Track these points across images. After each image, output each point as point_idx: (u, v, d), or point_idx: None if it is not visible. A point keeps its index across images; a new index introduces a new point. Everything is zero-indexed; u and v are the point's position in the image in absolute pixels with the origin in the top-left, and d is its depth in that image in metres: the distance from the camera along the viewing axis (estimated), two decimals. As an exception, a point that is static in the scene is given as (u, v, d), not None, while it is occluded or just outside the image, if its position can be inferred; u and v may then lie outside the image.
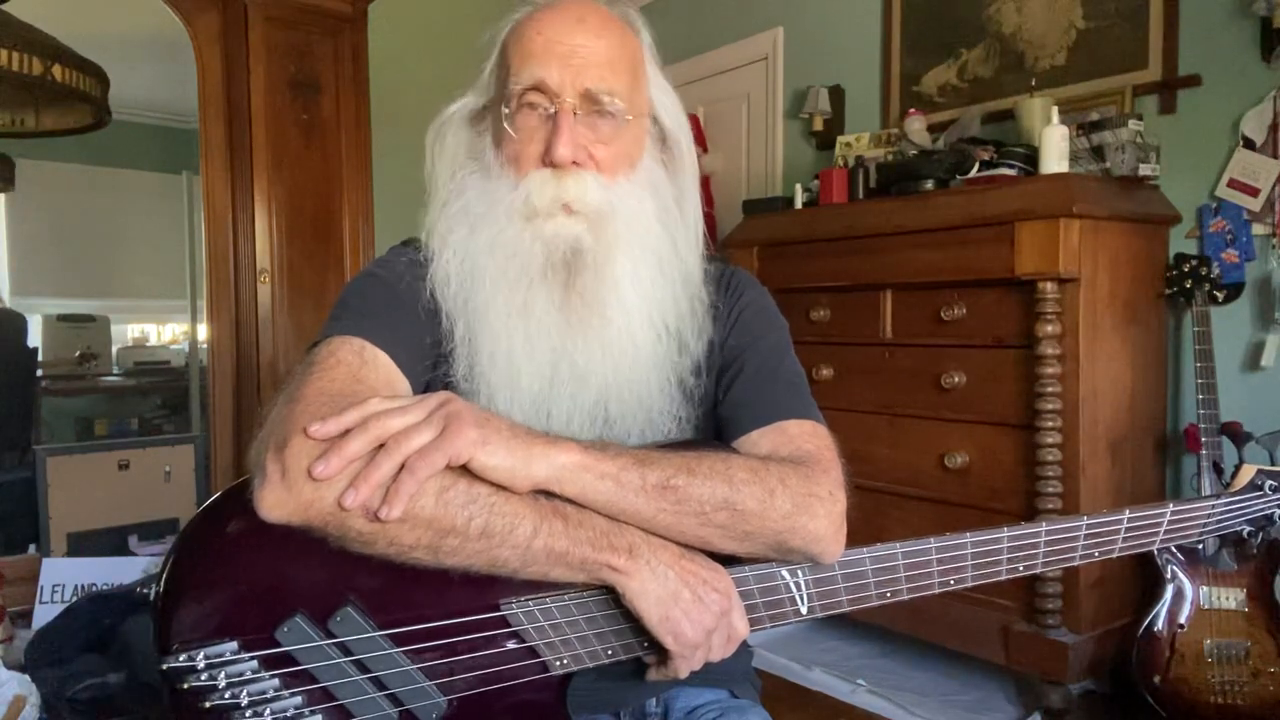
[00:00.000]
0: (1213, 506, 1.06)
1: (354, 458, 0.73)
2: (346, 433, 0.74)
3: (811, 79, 3.42)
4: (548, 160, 0.91)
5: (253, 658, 0.77)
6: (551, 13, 0.94)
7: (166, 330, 5.76)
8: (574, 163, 0.91)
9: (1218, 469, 2.15)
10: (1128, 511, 1.00)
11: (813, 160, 3.45)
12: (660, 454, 0.82)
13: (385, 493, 0.72)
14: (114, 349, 5.14)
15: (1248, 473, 1.11)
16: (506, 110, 0.93)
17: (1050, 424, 2.16)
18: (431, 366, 0.95)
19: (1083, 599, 2.20)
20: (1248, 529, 1.10)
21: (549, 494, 0.78)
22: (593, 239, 0.92)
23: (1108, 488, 2.26)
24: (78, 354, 4.82)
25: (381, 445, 0.74)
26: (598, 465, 0.78)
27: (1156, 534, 1.02)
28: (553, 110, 0.92)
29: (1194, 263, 2.26)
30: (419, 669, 0.79)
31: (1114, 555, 0.99)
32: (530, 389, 0.92)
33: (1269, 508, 1.10)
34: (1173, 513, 1.03)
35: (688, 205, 1.02)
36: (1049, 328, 2.15)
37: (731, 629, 0.83)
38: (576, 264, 0.92)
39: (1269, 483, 1.10)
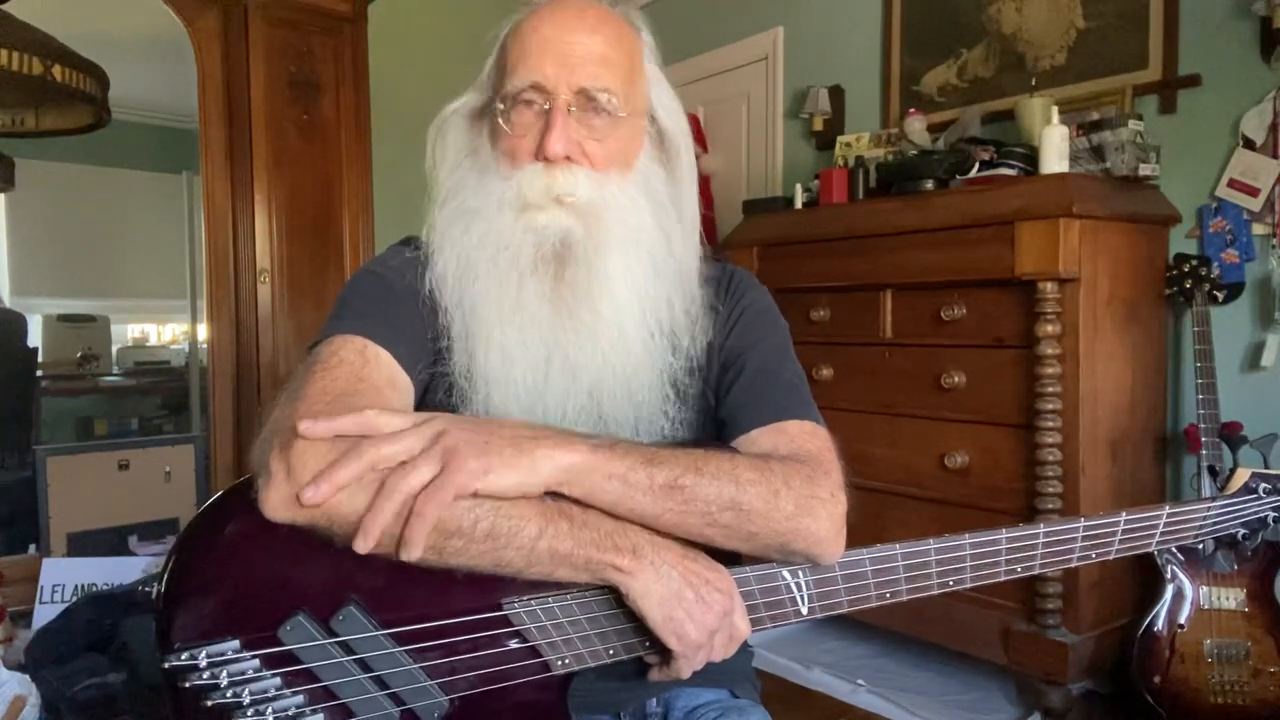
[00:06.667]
0: (1208, 509, 1.06)
1: (344, 485, 0.73)
2: (341, 438, 0.75)
3: (811, 79, 3.42)
4: (540, 155, 0.92)
5: (254, 656, 0.77)
6: (550, 10, 0.95)
7: (166, 330, 5.76)
8: (566, 158, 0.92)
9: (1213, 472, 2.16)
10: (1124, 514, 1.00)
11: (813, 160, 3.45)
12: (668, 452, 0.82)
13: (398, 539, 0.73)
14: (114, 349, 5.13)
15: (1242, 476, 1.12)
16: (502, 107, 0.94)
17: (1050, 424, 2.17)
18: (432, 363, 0.95)
19: (1083, 599, 2.20)
20: (1242, 531, 1.10)
21: (555, 494, 0.78)
22: (583, 232, 0.93)
23: (1108, 488, 2.26)
24: (78, 354, 4.82)
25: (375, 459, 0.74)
26: (605, 465, 0.78)
27: (1153, 536, 1.02)
28: (547, 107, 0.92)
29: (1194, 263, 2.26)
30: (421, 668, 0.79)
31: (1111, 557, 1.00)
32: (524, 381, 0.92)
33: (1263, 510, 1.10)
34: (1169, 515, 1.03)
35: (685, 206, 1.01)
36: (1049, 328, 2.15)
37: (734, 629, 0.83)
38: (567, 256, 0.92)
39: (1263, 485, 1.10)
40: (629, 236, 0.95)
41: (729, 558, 0.85)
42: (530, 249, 0.92)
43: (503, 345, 0.92)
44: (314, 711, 0.78)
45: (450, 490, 0.73)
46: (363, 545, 0.72)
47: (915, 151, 2.75)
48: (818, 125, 3.37)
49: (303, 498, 0.72)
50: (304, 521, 0.74)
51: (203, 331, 3.92)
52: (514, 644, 0.81)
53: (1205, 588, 2.10)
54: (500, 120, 0.95)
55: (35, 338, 4.51)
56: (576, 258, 0.92)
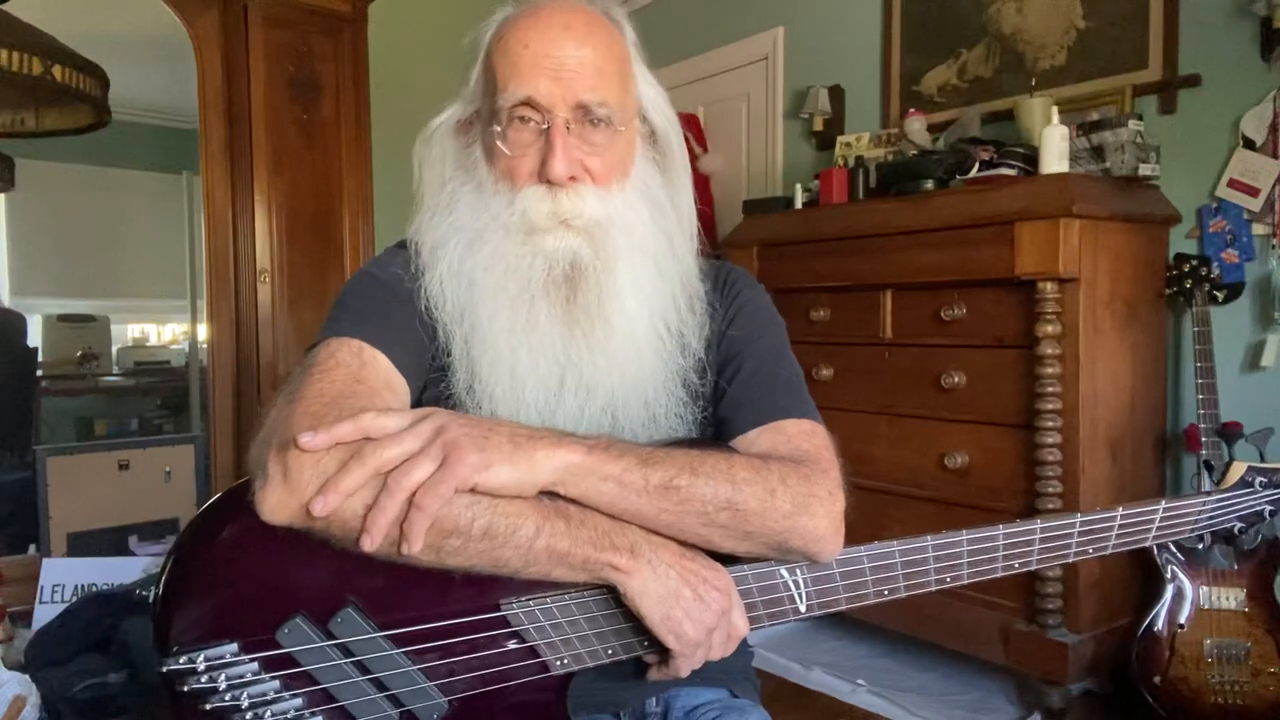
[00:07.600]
0: (1204, 503, 1.06)
1: (350, 492, 0.72)
2: (340, 445, 0.74)
3: (811, 79, 3.42)
4: (543, 177, 0.91)
5: (253, 659, 0.77)
6: (535, 20, 0.91)
7: (166, 330, 5.75)
8: (570, 178, 0.91)
9: (1208, 467, 2.15)
10: (1120, 509, 1.00)
11: (813, 160, 3.45)
12: (664, 453, 0.82)
13: (399, 530, 0.73)
14: (114, 349, 5.13)
15: (1238, 470, 1.11)
16: (498, 128, 0.92)
17: (1050, 424, 2.16)
18: (430, 372, 0.95)
19: (1083, 599, 2.20)
20: (1239, 525, 1.10)
21: (550, 494, 0.78)
22: (592, 252, 0.92)
23: (1108, 488, 2.25)
24: (78, 354, 4.82)
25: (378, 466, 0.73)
26: (601, 467, 0.78)
27: (1149, 531, 1.02)
28: (545, 126, 0.91)
29: (1194, 263, 2.26)
30: (420, 669, 0.79)
31: (1108, 552, 1.00)
32: (536, 402, 0.92)
33: (1260, 504, 1.10)
34: (1165, 509, 1.03)
35: (681, 201, 1.01)
36: (1049, 328, 2.15)
37: (732, 627, 0.83)
38: (577, 278, 0.92)
39: (1259, 479, 1.10)
40: (635, 248, 0.94)
41: (727, 556, 0.85)
42: (541, 272, 0.91)
43: (512, 366, 0.92)
44: (313, 714, 0.78)
45: (451, 483, 0.72)
46: (369, 544, 0.72)
47: (915, 151, 2.75)
48: (818, 125, 3.37)
49: (312, 510, 0.72)
50: (301, 524, 0.74)
51: (203, 331, 3.92)
52: (512, 645, 0.81)
53: (1205, 587, 2.10)
54: (498, 142, 0.92)
55: (35, 338, 4.51)
56: (587, 278, 0.92)
